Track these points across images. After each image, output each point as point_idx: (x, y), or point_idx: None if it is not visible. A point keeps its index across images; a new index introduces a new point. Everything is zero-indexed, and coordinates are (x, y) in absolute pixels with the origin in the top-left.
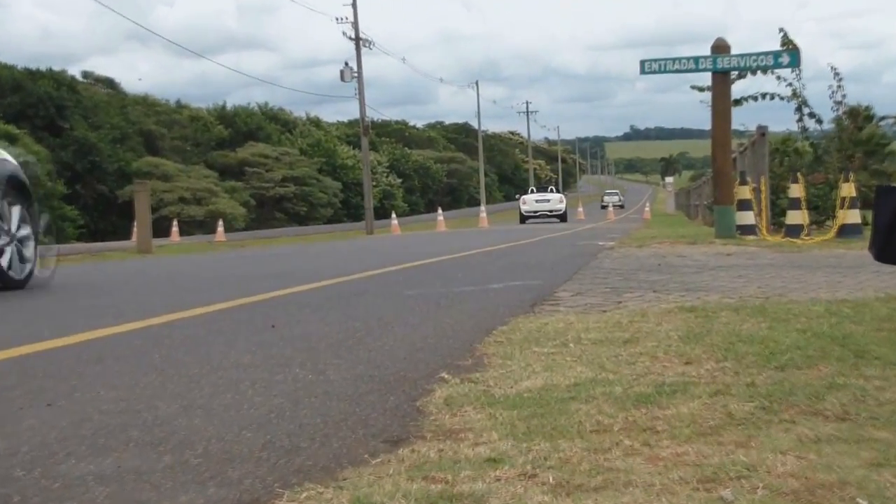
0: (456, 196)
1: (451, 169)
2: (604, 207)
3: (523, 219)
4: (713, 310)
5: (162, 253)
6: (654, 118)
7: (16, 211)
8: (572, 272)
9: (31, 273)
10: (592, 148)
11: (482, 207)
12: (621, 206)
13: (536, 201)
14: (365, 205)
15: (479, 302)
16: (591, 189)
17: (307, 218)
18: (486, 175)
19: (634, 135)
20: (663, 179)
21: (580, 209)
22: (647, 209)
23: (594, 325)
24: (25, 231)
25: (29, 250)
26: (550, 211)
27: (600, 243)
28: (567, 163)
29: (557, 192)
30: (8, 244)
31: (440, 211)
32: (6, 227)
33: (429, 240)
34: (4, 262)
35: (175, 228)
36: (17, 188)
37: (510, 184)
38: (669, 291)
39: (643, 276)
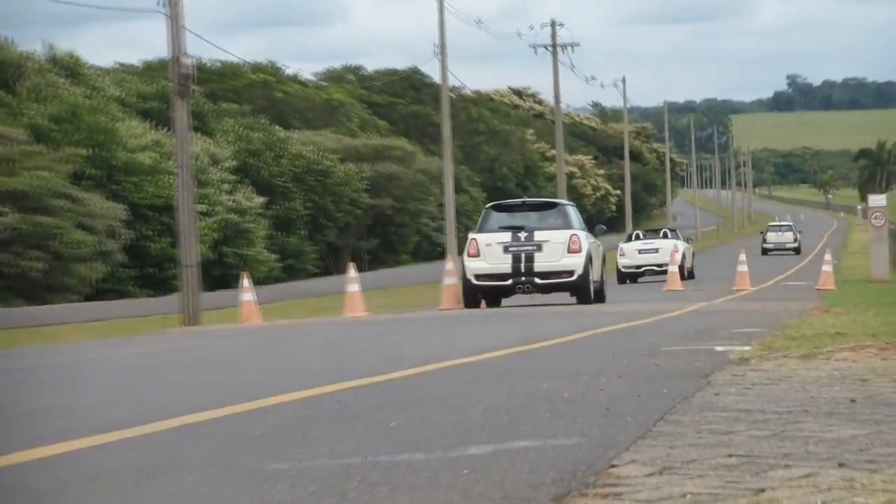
0: (392, 235)
1: (380, 174)
2: (767, 252)
3: (623, 277)
4: None
5: None
6: (838, 63)
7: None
8: (654, 417)
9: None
10: (704, 126)
11: (448, 261)
12: (795, 251)
13: (640, 251)
14: (182, 258)
15: (436, 489)
16: (691, 221)
17: (48, 286)
18: (459, 188)
19: (796, 98)
20: (863, 200)
21: (671, 266)
22: (826, 265)
23: None
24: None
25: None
26: (660, 265)
27: (719, 348)
28: (646, 161)
29: (673, 236)
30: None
31: (353, 270)
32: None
33: (328, 339)
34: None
35: None
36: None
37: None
38: (876, 466)
39: (814, 427)
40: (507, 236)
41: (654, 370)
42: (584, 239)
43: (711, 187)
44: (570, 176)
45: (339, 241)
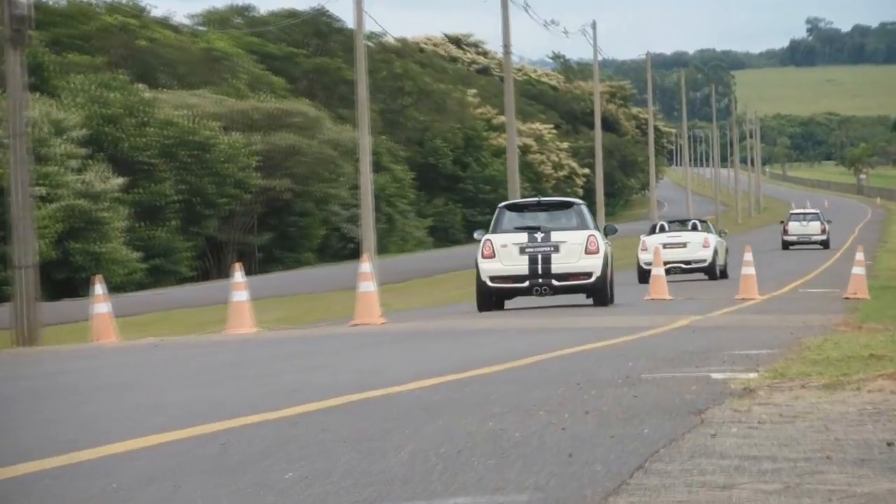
0: (291, 227)
1: (275, 147)
2: (789, 245)
3: (644, 275)
4: None
5: None
6: (872, 3)
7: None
8: (631, 465)
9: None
10: (699, 85)
11: (363, 260)
12: (823, 244)
13: (665, 246)
14: (14, 257)
15: None
16: (681, 208)
17: None
18: (379, 166)
19: (819, 49)
20: None
21: (655, 269)
22: (857, 267)
23: None
24: None
25: None
26: (688, 262)
27: (717, 375)
28: (623, 131)
29: (704, 228)
30: None
31: (239, 273)
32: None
33: (208, 364)
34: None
35: None
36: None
37: (451, 193)
38: None
39: (840, 479)
40: (523, 237)
41: (633, 404)
42: (601, 240)
43: (708, 165)
44: (525, 150)
45: (222, 234)
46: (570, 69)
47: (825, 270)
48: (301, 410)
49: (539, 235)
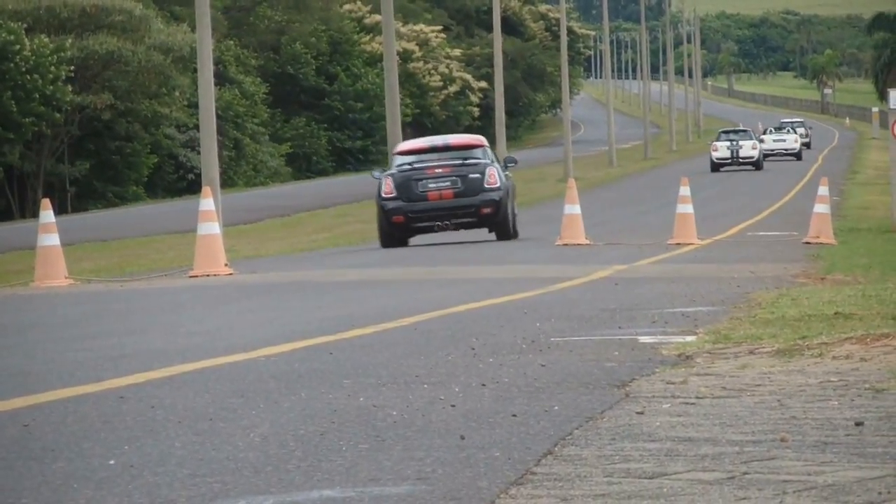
0: (112, 155)
1: (91, 54)
2: (737, 162)
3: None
4: None
5: None
6: None
7: None
8: (538, 450)
9: None
10: None
11: (206, 195)
12: (796, 156)
13: (774, 140)
14: None
15: None
16: (601, 131)
17: None
18: (224, 78)
19: None
20: (882, 98)
21: (569, 205)
22: (821, 204)
23: None
24: None
25: None
26: (786, 150)
27: (645, 339)
28: (529, 33)
29: (795, 132)
30: None
31: (48, 212)
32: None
33: (11, 324)
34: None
35: None
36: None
37: (315, 111)
38: None
39: (796, 467)
40: (728, 143)
41: (540, 374)
42: (758, 143)
43: (636, 77)
44: (406, 58)
45: (27, 164)
46: None
47: (781, 208)
48: (123, 383)
49: (734, 141)
